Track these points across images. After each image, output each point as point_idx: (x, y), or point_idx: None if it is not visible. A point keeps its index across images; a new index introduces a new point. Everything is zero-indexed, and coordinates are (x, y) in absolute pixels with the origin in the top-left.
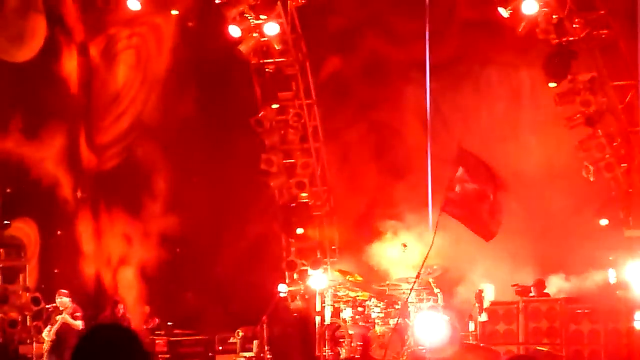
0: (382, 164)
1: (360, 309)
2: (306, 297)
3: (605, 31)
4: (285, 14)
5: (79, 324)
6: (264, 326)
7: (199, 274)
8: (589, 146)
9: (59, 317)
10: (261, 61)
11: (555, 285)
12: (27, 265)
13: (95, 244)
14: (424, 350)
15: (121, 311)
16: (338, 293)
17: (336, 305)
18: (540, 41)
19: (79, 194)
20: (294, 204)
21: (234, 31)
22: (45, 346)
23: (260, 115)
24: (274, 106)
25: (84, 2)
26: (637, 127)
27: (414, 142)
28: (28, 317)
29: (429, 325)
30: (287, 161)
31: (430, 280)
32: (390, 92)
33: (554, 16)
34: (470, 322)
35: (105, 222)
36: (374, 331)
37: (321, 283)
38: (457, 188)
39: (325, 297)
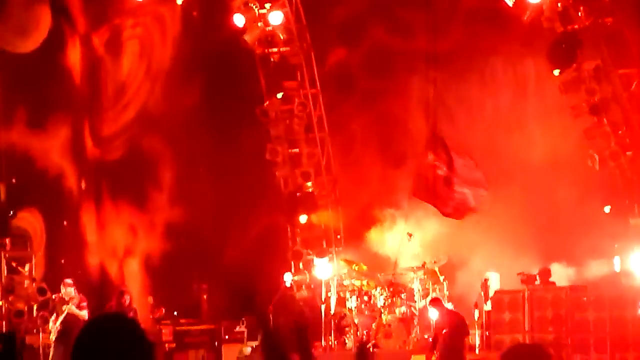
0: (386, 153)
1: (365, 298)
2: (312, 286)
3: (610, 19)
4: (289, 3)
5: (84, 314)
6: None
7: (205, 264)
8: (593, 135)
9: (65, 308)
10: (266, 50)
11: (561, 273)
12: (33, 256)
13: (101, 235)
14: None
15: (127, 301)
16: (343, 282)
17: (341, 294)
18: (545, 31)
19: (83, 184)
20: (299, 194)
21: (239, 20)
22: (52, 336)
23: (265, 105)
24: (279, 95)
25: None
26: None
27: (418, 132)
28: (34, 307)
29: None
30: (293, 151)
31: (436, 269)
32: (395, 82)
33: (559, 4)
34: (475, 310)
35: (111, 212)
36: (379, 320)
37: (327, 272)
38: (428, 173)
39: (330, 286)
